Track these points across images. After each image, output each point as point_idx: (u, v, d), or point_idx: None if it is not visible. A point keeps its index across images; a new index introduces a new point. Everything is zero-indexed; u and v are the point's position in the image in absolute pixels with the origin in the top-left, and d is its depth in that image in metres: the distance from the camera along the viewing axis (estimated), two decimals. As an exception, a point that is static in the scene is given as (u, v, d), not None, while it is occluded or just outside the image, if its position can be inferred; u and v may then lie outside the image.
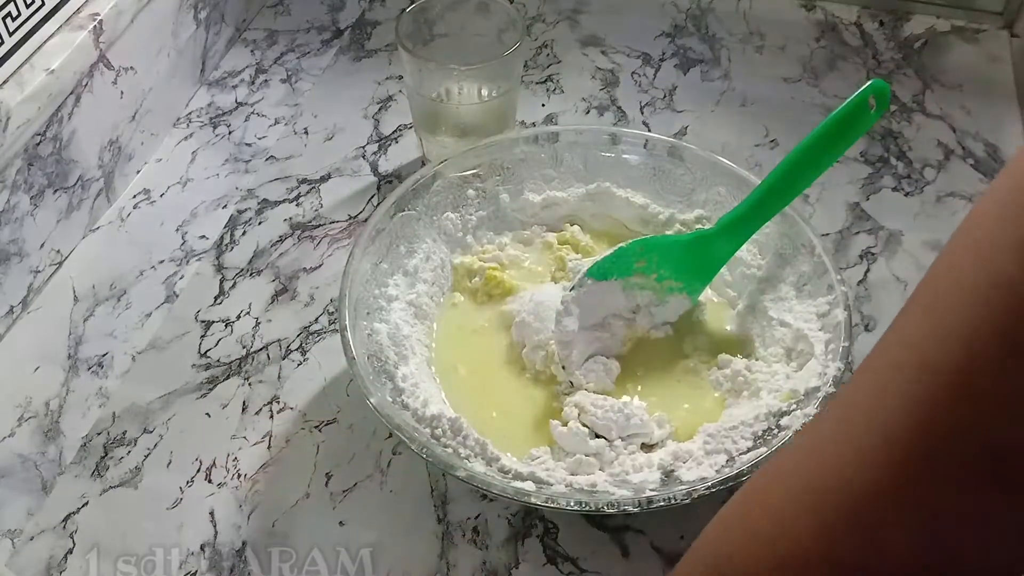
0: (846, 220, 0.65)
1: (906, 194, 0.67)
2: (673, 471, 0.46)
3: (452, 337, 0.56)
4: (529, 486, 0.45)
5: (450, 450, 0.46)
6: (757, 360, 0.53)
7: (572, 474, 0.47)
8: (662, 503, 0.43)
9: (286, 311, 0.60)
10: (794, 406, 0.47)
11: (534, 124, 0.72)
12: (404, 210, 0.56)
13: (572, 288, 0.53)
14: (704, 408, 0.52)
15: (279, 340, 0.58)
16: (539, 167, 0.61)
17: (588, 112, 0.74)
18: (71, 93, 0.60)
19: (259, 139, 0.72)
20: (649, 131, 0.65)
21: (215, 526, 0.50)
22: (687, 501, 0.43)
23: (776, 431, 0.46)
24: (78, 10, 0.61)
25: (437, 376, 0.53)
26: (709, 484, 0.43)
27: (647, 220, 0.60)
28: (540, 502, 0.44)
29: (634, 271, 0.54)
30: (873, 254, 0.63)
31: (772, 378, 0.51)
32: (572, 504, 0.43)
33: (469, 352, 0.55)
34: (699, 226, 0.58)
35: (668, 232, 0.59)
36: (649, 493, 0.44)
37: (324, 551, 0.49)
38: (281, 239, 0.65)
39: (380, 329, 0.52)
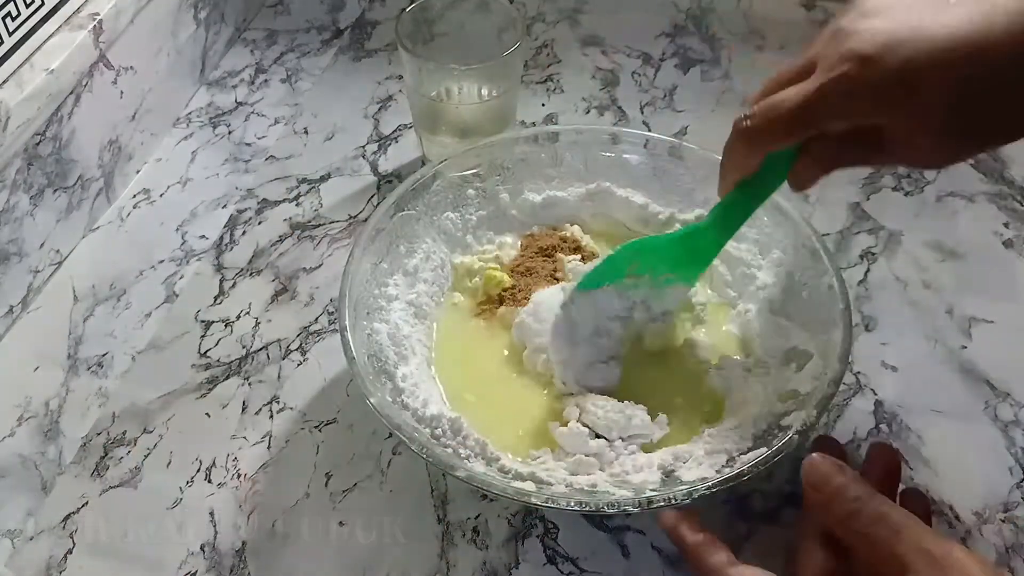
0: (846, 220, 0.65)
1: (906, 194, 0.67)
2: (673, 471, 0.46)
3: (452, 337, 0.56)
4: (529, 486, 0.45)
5: (450, 450, 0.46)
6: (758, 361, 0.53)
7: (572, 474, 0.47)
8: (662, 503, 0.43)
9: (286, 311, 0.60)
10: (794, 407, 0.47)
11: (534, 124, 0.72)
12: (404, 210, 0.56)
13: (563, 306, 0.52)
14: (705, 409, 0.52)
15: (279, 340, 0.58)
16: (539, 167, 0.61)
17: (588, 112, 0.74)
18: (71, 93, 0.60)
19: (259, 139, 0.72)
20: (649, 131, 0.65)
21: (215, 526, 0.50)
22: (687, 501, 0.43)
23: (776, 431, 0.46)
24: (78, 10, 0.61)
25: (437, 376, 0.53)
26: (709, 484, 0.43)
27: (647, 220, 0.60)
28: (540, 502, 0.43)
29: (627, 274, 0.54)
30: (873, 254, 0.63)
31: (772, 379, 0.51)
32: (572, 504, 0.43)
33: (469, 352, 0.55)
34: None
35: (668, 232, 0.59)
36: (649, 493, 0.44)
37: (324, 551, 0.49)
38: (281, 239, 0.65)
39: (380, 329, 0.52)
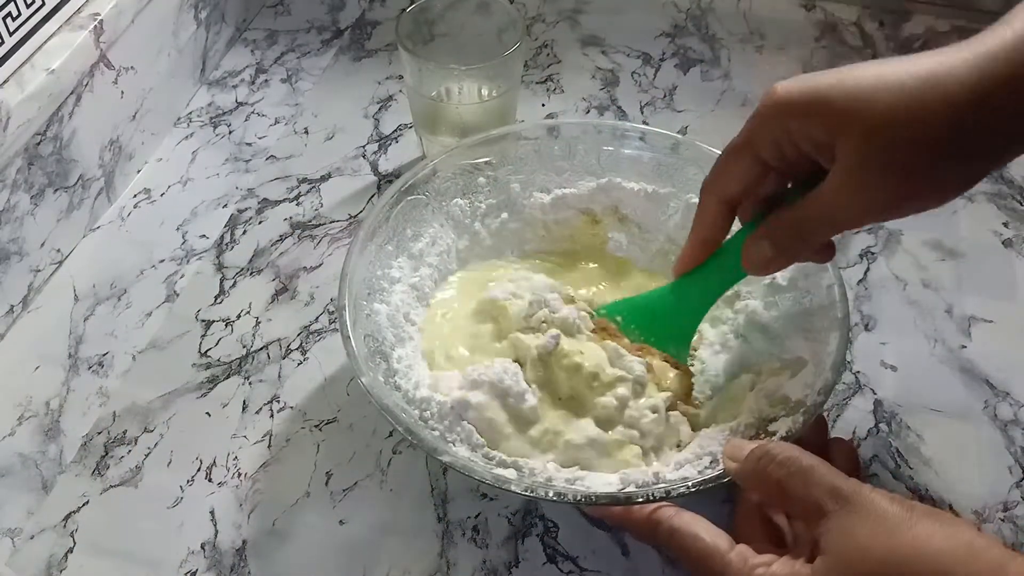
0: (846, 220, 0.65)
1: (906, 194, 0.67)
2: (657, 471, 0.46)
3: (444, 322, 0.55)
4: (511, 474, 0.45)
5: (437, 433, 0.46)
6: (754, 366, 0.53)
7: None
8: (640, 499, 0.43)
9: (286, 310, 0.60)
10: (783, 413, 0.47)
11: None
12: (413, 194, 0.56)
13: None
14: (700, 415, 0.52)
15: (279, 339, 0.58)
16: (551, 159, 0.60)
17: (588, 112, 0.74)
18: (71, 93, 0.60)
19: (259, 139, 0.72)
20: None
21: (215, 525, 0.50)
22: (666, 499, 0.43)
23: (763, 436, 0.46)
24: (78, 10, 0.61)
25: (433, 361, 0.52)
26: (690, 484, 0.43)
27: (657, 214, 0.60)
28: (519, 490, 0.43)
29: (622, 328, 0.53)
30: (873, 253, 0.63)
31: (766, 385, 0.50)
32: (551, 495, 0.43)
33: (464, 335, 0.54)
34: None
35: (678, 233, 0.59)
36: (629, 489, 0.44)
37: (324, 550, 0.49)
38: (281, 238, 0.65)
39: (380, 310, 0.52)
